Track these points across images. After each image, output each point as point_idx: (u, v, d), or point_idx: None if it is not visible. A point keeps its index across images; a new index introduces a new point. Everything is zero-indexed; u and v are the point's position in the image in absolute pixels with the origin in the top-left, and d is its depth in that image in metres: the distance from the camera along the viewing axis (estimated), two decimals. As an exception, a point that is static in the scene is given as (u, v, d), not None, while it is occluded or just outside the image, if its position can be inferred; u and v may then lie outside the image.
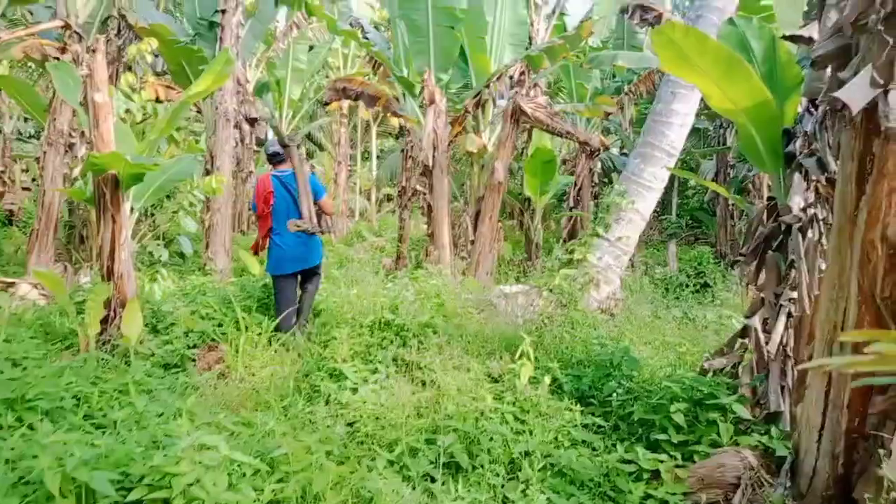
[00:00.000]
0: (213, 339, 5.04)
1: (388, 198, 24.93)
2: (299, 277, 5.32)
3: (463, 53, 8.91)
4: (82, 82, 4.92)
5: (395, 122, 23.13)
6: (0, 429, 2.84)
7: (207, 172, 9.75)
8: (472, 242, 8.63)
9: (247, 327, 5.05)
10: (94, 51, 4.75)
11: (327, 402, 4.02)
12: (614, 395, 3.76)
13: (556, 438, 3.44)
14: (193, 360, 4.92)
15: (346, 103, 17.11)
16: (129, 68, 7.76)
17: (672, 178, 10.23)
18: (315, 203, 5.17)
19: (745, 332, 3.93)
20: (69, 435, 2.45)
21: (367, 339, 4.61)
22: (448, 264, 8.26)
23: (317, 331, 5.17)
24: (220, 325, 5.18)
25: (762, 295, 3.76)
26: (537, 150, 9.17)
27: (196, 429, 2.90)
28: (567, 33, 8.60)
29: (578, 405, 3.72)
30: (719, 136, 14.41)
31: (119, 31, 10.24)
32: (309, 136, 27.41)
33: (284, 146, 5.23)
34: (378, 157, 22.00)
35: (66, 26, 7.38)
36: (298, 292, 5.33)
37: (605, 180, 15.21)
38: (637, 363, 4.01)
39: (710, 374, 3.96)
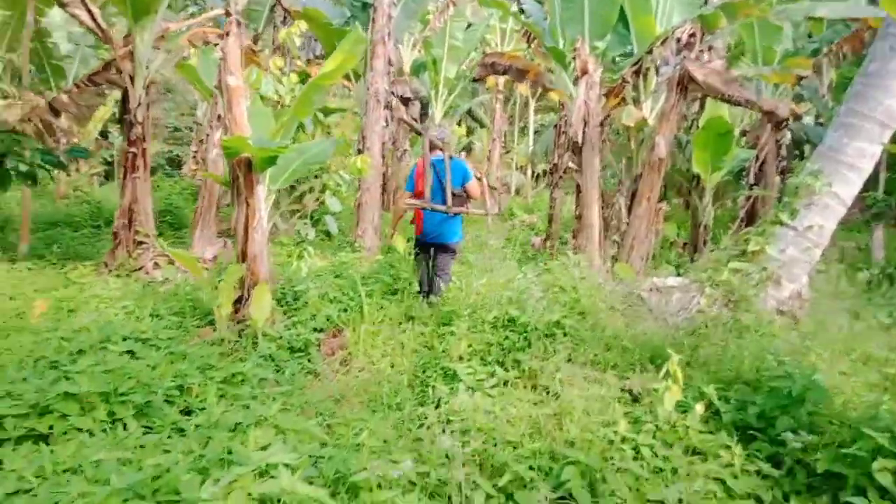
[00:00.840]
0: (336, 325, 4.92)
1: (545, 174, 24.15)
2: (432, 251, 5.71)
3: (624, 18, 7.94)
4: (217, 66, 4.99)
5: (555, 96, 22.23)
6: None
7: (359, 152, 9.88)
8: (627, 225, 7.76)
9: (368, 313, 4.88)
10: (226, 34, 4.76)
11: (438, 406, 3.64)
12: (791, 433, 2.91)
13: (705, 485, 2.72)
14: (318, 345, 4.84)
15: (501, 79, 16.64)
16: (281, 51, 7.93)
17: (882, 152, 8.41)
18: (462, 188, 5.69)
19: None
20: (125, 443, 2.27)
21: (489, 336, 4.13)
22: (596, 249, 7.50)
23: (434, 321, 4.81)
24: (344, 311, 5.04)
25: None
26: (710, 121, 7.96)
27: (277, 439, 2.66)
28: (751, -18, 7.25)
29: (740, 443, 2.94)
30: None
31: (285, 18, 10.71)
32: (469, 113, 27.43)
33: (418, 133, 5.71)
34: (536, 132, 21.27)
35: (228, 13, 7.69)
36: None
37: (797, 154, 13.11)
38: (826, 394, 3.09)
39: (935, 417, 2.94)
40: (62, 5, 6.47)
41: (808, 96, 13.07)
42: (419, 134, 5.46)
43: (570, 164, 9.91)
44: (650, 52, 7.04)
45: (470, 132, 27.75)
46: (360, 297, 5.08)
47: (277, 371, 4.44)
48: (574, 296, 4.55)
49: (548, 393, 3.60)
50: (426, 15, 14.30)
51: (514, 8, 11.02)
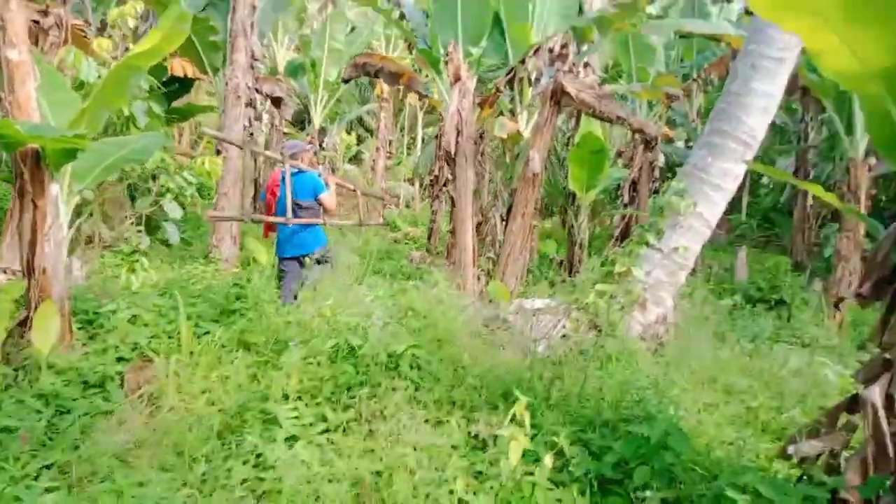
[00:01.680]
0: (144, 355, 4.07)
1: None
2: (303, 261, 5.69)
3: (500, 24, 7.66)
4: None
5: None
6: None
7: (218, 153, 8.92)
8: (503, 241, 7.42)
9: (188, 339, 4.08)
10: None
11: (248, 461, 2.95)
12: (649, 490, 2.51)
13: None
14: (122, 379, 3.97)
15: (387, 87, 16.13)
16: (105, 32, 6.88)
17: (745, 174, 8.74)
18: (316, 200, 5.77)
19: (854, 404, 2.61)
20: None
21: (323, 370, 3.49)
22: (470, 266, 7.09)
23: (269, 349, 4.11)
24: (155, 337, 4.20)
25: (887, 356, 2.43)
26: (584, 139, 7.85)
27: None
28: (621, 0, 7.22)
29: (593, 500, 2.50)
30: (800, 131, 12.59)
31: None
32: (360, 121, 26.69)
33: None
34: (425, 143, 20.96)
35: (48, -18, 6.56)
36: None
37: (669, 176, 13.61)
38: (687, 440, 2.73)
39: (797, 462, 2.67)
40: None
41: (680, 121, 13.65)
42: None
43: (449, 176, 9.54)
44: (523, 61, 6.75)
45: (360, 141, 27.05)
46: (179, 320, 4.27)
47: (60, 413, 3.56)
48: (427, 320, 4.01)
49: (385, 440, 3.02)
50: (302, 13, 13.54)
51: (396, 14, 10.56)
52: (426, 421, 3.08)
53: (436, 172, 10.64)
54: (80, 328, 4.47)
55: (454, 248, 7.23)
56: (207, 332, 4.37)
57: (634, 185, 9.08)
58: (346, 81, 8.13)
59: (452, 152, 6.82)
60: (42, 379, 3.72)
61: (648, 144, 7.02)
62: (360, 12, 16.61)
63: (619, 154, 10.15)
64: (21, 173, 3.96)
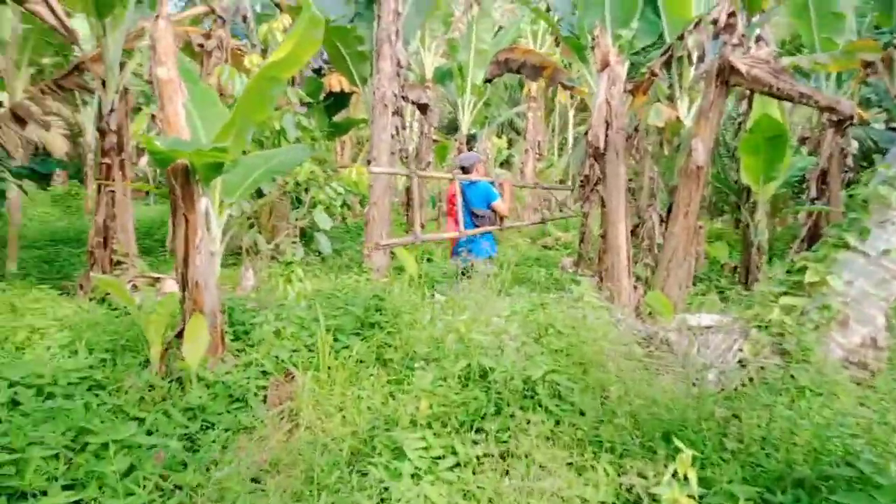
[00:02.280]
0: (285, 370, 4.05)
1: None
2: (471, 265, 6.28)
3: (654, 2, 6.89)
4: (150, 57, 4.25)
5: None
6: None
7: (368, 163, 9.09)
8: (661, 246, 6.66)
9: (325, 354, 4.00)
10: (156, 17, 4.02)
11: (378, 492, 2.72)
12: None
13: None
14: (265, 393, 4.00)
15: (534, 86, 15.68)
16: (262, 49, 7.21)
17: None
18: (489, 207, 6.56)
19: None
20: None
21: (453, 394, 3.18)
22: (624, 274, 6.42)
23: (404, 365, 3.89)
24: (296, 351, 4.18)
25: None
26: (759, 122, 6.81)
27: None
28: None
29: None
30: None
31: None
32: (511, 124, 26.49)
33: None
34: (575, 142, 20.15)
35: (211, 11, 7.06)
36: None
37: (864, 164, 11.61)
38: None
39: None
40: (19, 2, 5.90)
41: (877, 99, 11.58)
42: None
43: (599, 174, 8.87)
44: (681, 37, 5.97)
45: (511, 144, 26.84)
46: (320, 333, 4.21)
47: (204, 428, 3.62)
48: (572, 340, 3.54)
49: (520, 485, 2.62)
50: (449, 17, 13.51)
51: (543, 6, 10.09)
52: (568, 464, 2.63)
53: (586, 171, 10.03)
54: (233, 340, 4.60)
55: (606, 254, 6.60)
56: (346, 347, 4.28)
57: (824, 175, 7.79)
58: (488, 81, 7.86)
59: (602, 147, 6.21)
60: (191, 392, 3.81)
61: (841, 126, 5.87)
62: (507, 10, 16.33)
63: (803, 140, 8.80)
64: (173, 188, 4.15)
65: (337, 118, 13.81)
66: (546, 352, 3.44)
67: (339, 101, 13.22)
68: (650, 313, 6.25)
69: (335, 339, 4.27)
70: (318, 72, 12.45)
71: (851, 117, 5.40)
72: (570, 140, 19.90)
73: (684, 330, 4.29)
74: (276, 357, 4.11)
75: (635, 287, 6.56)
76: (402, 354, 4.17)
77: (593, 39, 6.28)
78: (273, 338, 4.32)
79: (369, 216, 8.64)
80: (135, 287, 6.90)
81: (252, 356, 4.20)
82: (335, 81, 11.78)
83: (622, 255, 6.39)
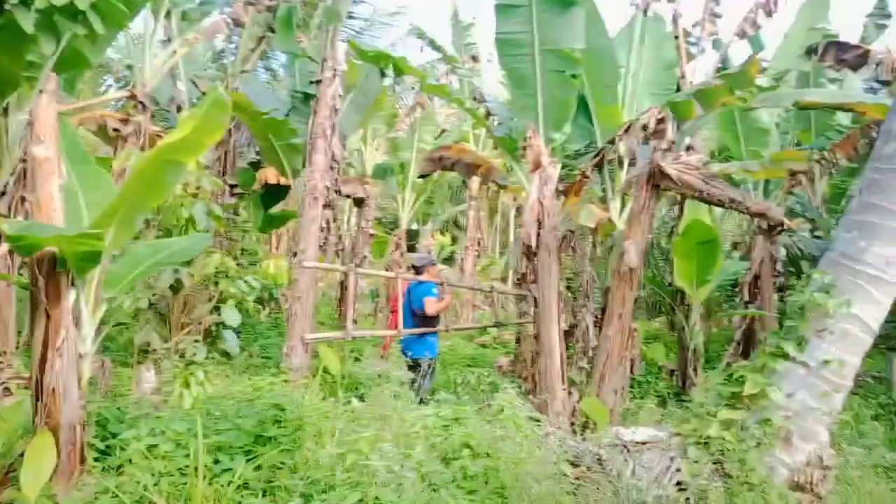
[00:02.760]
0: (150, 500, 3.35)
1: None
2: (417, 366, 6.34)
3: (586, 107, 6.98)
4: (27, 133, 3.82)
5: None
6: None
7: (294, 255, 8.64)
8: (595, 349, 6.34)
9: (202, 481, 3.34)
10: (41, 91, 3.64)
11: None
12: None
13: None
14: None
15: (475, 183, 15.83)
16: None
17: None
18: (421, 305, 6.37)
19: None
20: None
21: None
22: (557, 379, 6.01)
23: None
24: (167, 475, 3.49)
25: None
26: (690, 227, 6.79)
27: None
28: (728, 70, 6.36)
29: None
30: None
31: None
32: (455, 222, 26.70)
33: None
34: (515, 240, 20.32)
35: (132, 96, 6.73)
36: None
37: (792, 271, 11.87)
38: None
39: None
40: None
41: (801, 210, 12.10)
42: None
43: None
44: (612, 141, 5.96)
45: (454, 241, 26.92)
46: (198, 453, 3.56)
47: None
48: (490, 463, 3.04)
49: None
50: (393, 117, 13.70)
51: (482, 111, 10.24)
52: None
53: (522, 270, 9.86)
54: (97, 459, 3.88)
55: (539, 356, 6.22)
56: (229, 469, 3.62)
57: (756, 279, 7.80)
58: (422, 177, 7.69)
59: (534, 245, 5.99)
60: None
61: (771, 232, 5.84)
62: (450, 114, 16.78)
63: (735, 245, 8.88)
64: (35, 279, 3.58)
65: (273, 210, 13.44)
66: (460, 477, 2.92)
67: (276, 193, 12.91)
68: (586, 422, 5.81)
69: (215, 461, 3.62)
70: (255, 164, 12.20)
71: (782, 224, 5.37)
72: (511, 238, 20.02)
73: (618, 447, 3.84)
74: (139, 483, 3.41)
75: (569, 392, 6.14)
76: (297, 478, 3.55)
77: (526, 139, 6.22)
78: (141, 458, 3.63)
79: (292, 311, 8.07)
80: (7, 390, 6.03)
81: (113, 482, 3.50)
82: (271, 174, 11.48)
83: (555, 357, 6.02)
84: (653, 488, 3.44)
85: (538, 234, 6.04)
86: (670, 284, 8.12)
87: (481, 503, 2.70)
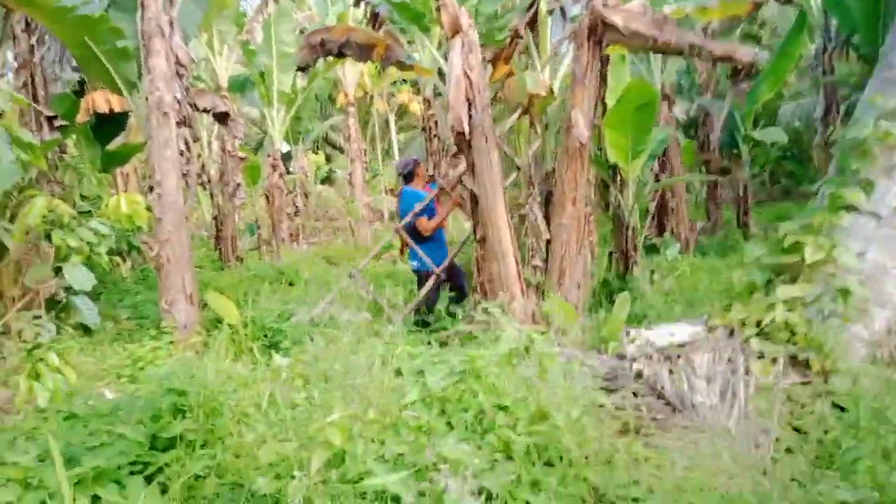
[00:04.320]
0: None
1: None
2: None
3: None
4: None
5: (415, 108, 20.01)
6: None
7: (151, 190, 6.84)
8: (548, 242, 5.44)
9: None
10: None
11: None
12: None
13: None
14: None
15: (352, 90, 14.13)
16: None
17: None
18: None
19: None
20: None
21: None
22: (515, 283, 5.07)
23: None
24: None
25: None
26: (629, 90, 5.89)
27: None
28: None
29: None
30: None
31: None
32: (326, 139, 24.63)
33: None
34: (401, 150, 18.96)
35: None
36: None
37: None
38: None
39: None
40: None
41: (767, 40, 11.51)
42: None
43: (451, 172, 7.55)
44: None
45: (329, 159, 24.96)
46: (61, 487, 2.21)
47: None
48: (538, 426, 1.98)
49: None
50: (241, 17, 11.48)
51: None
52: None
53: (430, 172, 8.67)
54: None
55: (486, 261, 5.21)
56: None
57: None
58: (302, 70, 6.09)
59: (466, 131, 4.80)
60: None
61: (737, 76, 5.08)
62: (307, 16, 14.58)
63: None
64: None
65: (112, 146, 11.04)
66: (509, 456, 1.84)
67: (112, 123, 10.52)
68: (551, 324, 4.98)
69: (94, 499, 2.29)
70: (79, 91, 9.70)
71: (752, 65, 4.56)
72: (396, 148, 18.64)
73: (650, 354, 2.95)
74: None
75: (525, 293, 5.25)
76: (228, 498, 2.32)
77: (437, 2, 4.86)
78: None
79: (162, 259, 6.44)
80: None
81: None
82: (100, 99, 9.12)
83: (509, 259, 5.03)
84: (719, 406, 2.59)
85: (469, 117, 4.85)
86: (606, 160, 7.32)
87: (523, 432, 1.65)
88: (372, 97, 18.15)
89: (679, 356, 2.90)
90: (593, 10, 4.90)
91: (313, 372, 3.30)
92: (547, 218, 5.55)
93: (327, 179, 23.63)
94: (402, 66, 5.77)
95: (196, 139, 7.49)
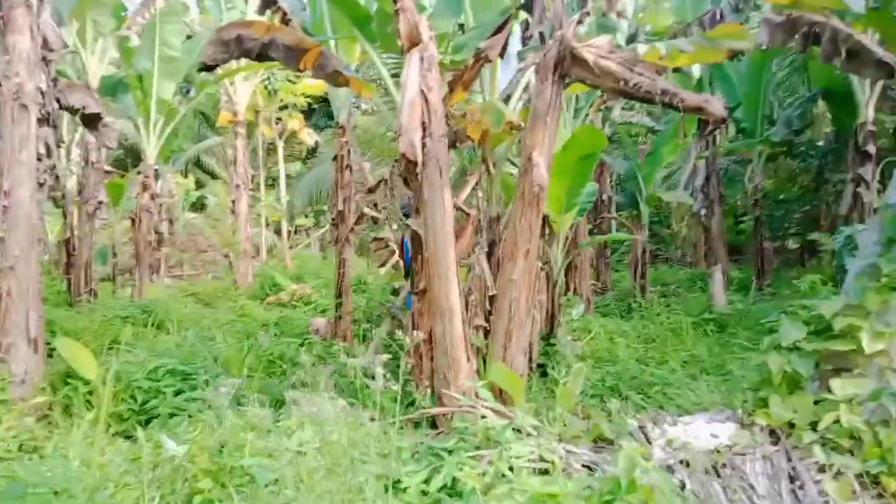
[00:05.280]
0: None
1: (297, 230, 20.48)
2: None
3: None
4: None
5: (305, 137, 18.89)
6: None
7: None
8: (492, 299, 4.79)
9: None
10: None
11: None
12: None
13: None
14: None
15: (242, 108, 12.88)
16: None
17: None
18: None
19: None
20: None
21: None
22: (460, 342, 4.32)
23: None
24: None
25: None
26: (577, 136, 5.52)
27: None
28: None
29: None
30: None
31: None
32: (197, 163, 22.60)
33: None
34: (290, 180, 17.70)
35: None
36: None
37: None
38: None
39: None
40: None
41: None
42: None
43: (367, 209, 6.78)
44: (526, 6, 4.25)
45: (199, 185, 22.92)
46: None
47: None
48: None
49: None
50: (121, 9, 9.99)
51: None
52: None
53: (340, 206, 7.80)
54: None
55: (427, 318, 4.45)
56: None
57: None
58: (208, 69, 5.07)
59: (419, 161, 4.07)
60: None
61: (704, 128, 4.83)
62: (200, 20, 13.21)
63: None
64: None
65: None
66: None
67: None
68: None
69: None
70: None
71: (723, 119, 4.30)
72: (282, 178, 17.33)
73: (685, 459, 2.34)
74: None
75: (467, 357, 4.52)
76: None
77: (395, 7, 4.13)
78: None
79: (2, 290, 5.03)
80: None
81: None
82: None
83: (456, 319, 4.29)
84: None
85: (424, 144, 4.13)
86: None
87: None
88: (256, 121, 16.84)
89: (724, 465, 2.31)
90: (563, 40, 4.43)
91: (225, 468, 2.36)
92: (493, 270, 4.92)
93: (196, 205, 21.62)
94: (339, 77, 4.94)
95: (59, 143, 6.05)
